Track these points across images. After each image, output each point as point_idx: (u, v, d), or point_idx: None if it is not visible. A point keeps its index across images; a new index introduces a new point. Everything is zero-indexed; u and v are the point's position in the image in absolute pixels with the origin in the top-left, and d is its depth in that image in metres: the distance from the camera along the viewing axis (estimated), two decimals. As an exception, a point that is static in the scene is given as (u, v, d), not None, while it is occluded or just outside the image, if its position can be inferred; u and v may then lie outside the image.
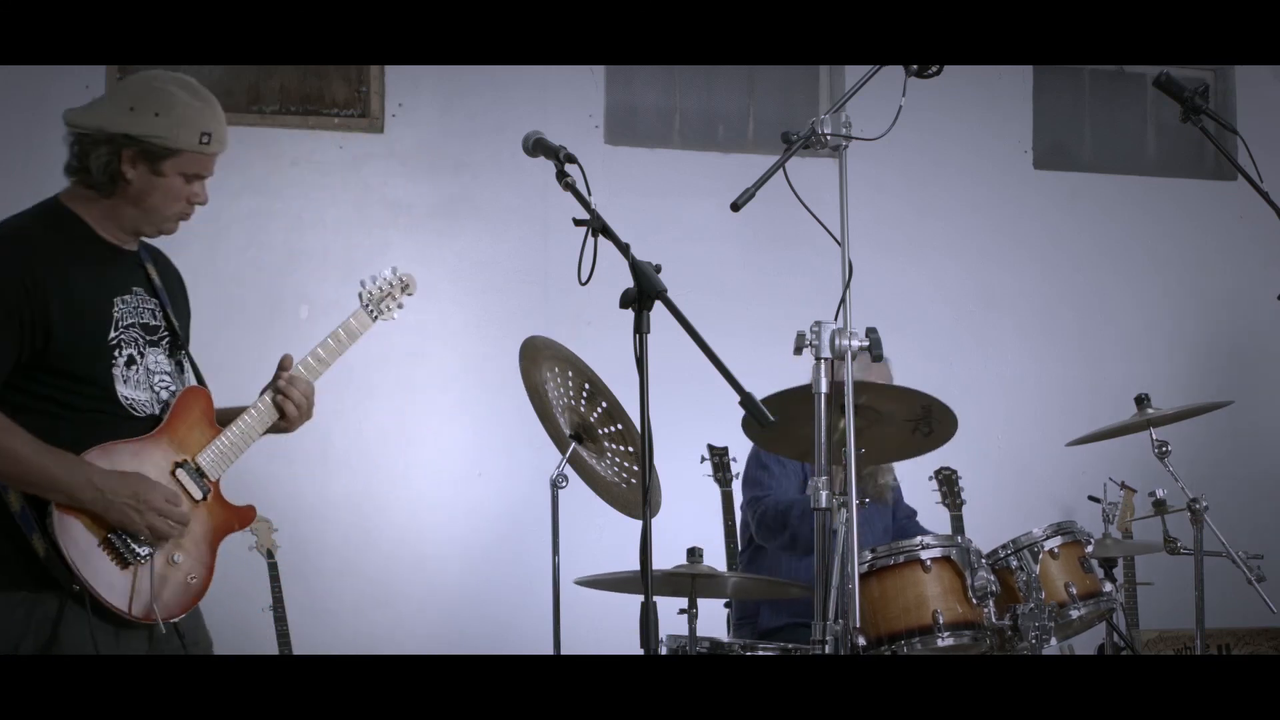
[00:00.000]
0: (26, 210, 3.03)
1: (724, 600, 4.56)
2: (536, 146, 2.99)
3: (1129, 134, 6.74)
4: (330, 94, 5.78)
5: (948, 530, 5.09)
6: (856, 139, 3.30)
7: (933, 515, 5.06)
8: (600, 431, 3.99)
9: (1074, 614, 3.86)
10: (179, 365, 3.11)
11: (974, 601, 3.68)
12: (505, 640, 5.26)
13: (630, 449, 3.97)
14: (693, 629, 3.80)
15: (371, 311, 3.29)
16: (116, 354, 2.95)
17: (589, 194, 2.85)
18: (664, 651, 3.85)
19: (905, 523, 4.68)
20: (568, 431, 4.00)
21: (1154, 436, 4.47)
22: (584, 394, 3.97)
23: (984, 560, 3.76)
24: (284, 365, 3.16)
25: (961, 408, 3.79)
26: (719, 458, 5.04)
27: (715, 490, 5.05)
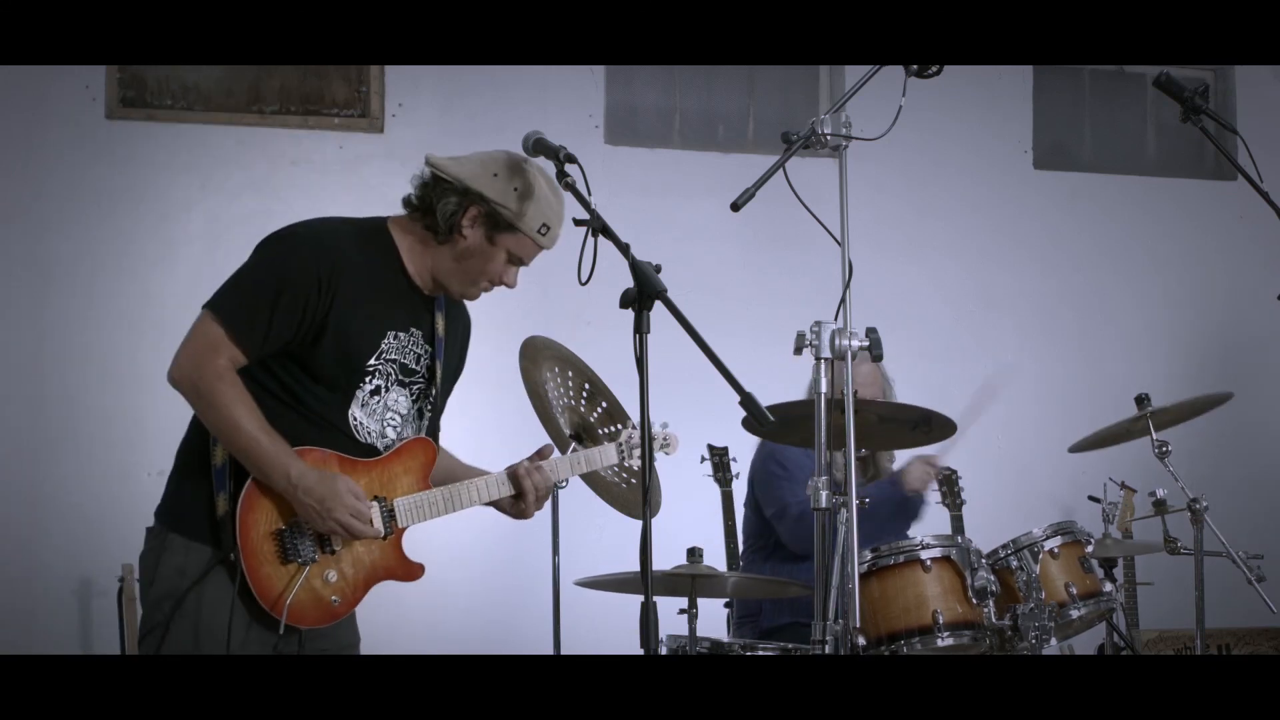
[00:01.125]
0: (353, 218, 3.14)
1: (724, 600, 4.56)
2: (536, 146, 2.99)
3: (1129, 134, 6.74)
4: (330, 94, 5.78)
5: (948, 530, 5.09)
6: (856, 139, 3.30)
7: (933, 515, 5.05)
8: (600, 431, 3.99)
9: (1074, 614, 3.86)
10: (419, 413, 3.18)
11: (974, 601, 3.68)
12: (505, 640, 5.26)
13: (630, 449, 3.96)
14: (693, 629, 3.80)
15: (623, 454, 3.40)
16: (367, 379, 3.04)
17: (589, 194, 2.85)
18: (664, 651, 3.85)
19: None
20: (568, 431, 4.00)
21: (1154, 436, 4.47)
22: (584, 394, 3.97)
23: (984, 560, 3.76)
24: (543, 454, 3.27)
25: (962, 408, 3.79)
26: (719, 458, 5.04)
27: (715, 490, 5.05)
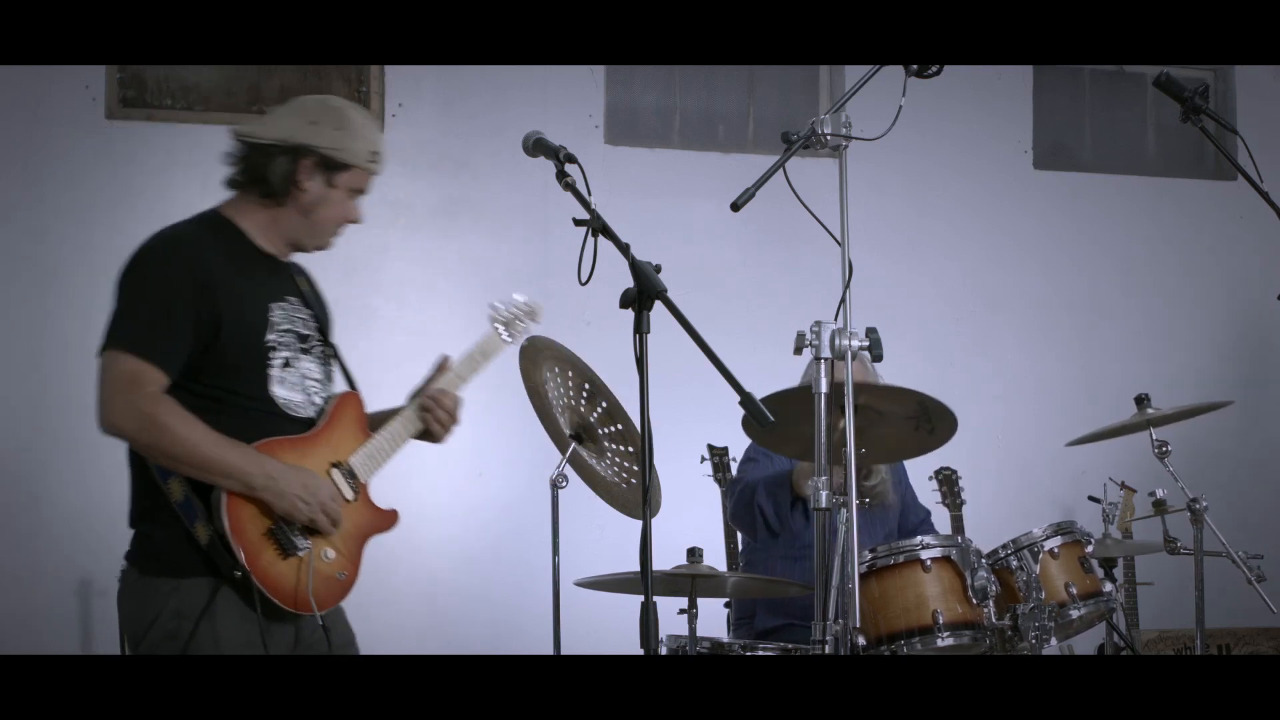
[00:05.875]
0: (187, 219, 3.16)
1: (724, 600, 4.56)
2: (536, 146, 2.99)
3: (1129, 134, 6.74)
4: (330, 94, 5.78)
5: (948, 530, 5.09)
6: (856, 139, 3.30)
7: (932, 515, 5.05)
8: (600, 431, 3.99)
9: (1074, 614, 3.86)
10: (328, 374, 3.21)
11: (974, 601, 3.68)
12: (505, 640, 5.26)
13: (630, 449, 3.97)
14: (693, 629, 3.80)
15: (503, 334, 3.45)
16: (273, 355, 3.05)
17: (589, 194, 2.85)
18: (664, 651, 3.85)
19: (918, 526, 4.61)
20: (568, 431, 4.00)
21: (1154, 436, 4.47)
22: (584, 394, 3.97)
23: (984, 560, 3.75)
24: (442, 367, 3.31)
25: (961, 408, 3.79)
26: (719, 458, 5.04)
27: (715, 490, 5.05)
